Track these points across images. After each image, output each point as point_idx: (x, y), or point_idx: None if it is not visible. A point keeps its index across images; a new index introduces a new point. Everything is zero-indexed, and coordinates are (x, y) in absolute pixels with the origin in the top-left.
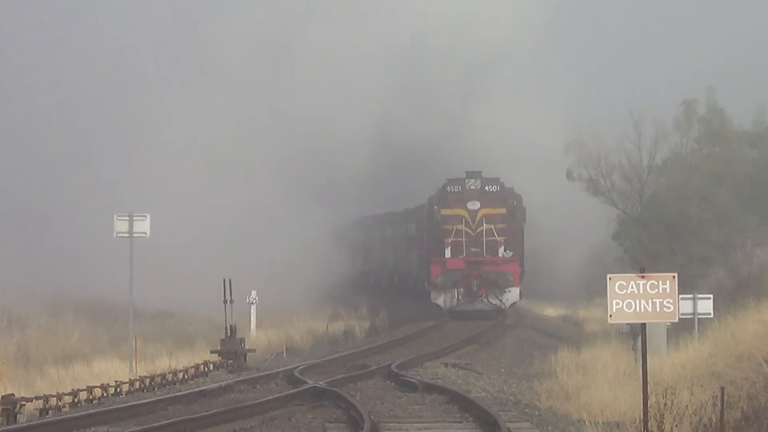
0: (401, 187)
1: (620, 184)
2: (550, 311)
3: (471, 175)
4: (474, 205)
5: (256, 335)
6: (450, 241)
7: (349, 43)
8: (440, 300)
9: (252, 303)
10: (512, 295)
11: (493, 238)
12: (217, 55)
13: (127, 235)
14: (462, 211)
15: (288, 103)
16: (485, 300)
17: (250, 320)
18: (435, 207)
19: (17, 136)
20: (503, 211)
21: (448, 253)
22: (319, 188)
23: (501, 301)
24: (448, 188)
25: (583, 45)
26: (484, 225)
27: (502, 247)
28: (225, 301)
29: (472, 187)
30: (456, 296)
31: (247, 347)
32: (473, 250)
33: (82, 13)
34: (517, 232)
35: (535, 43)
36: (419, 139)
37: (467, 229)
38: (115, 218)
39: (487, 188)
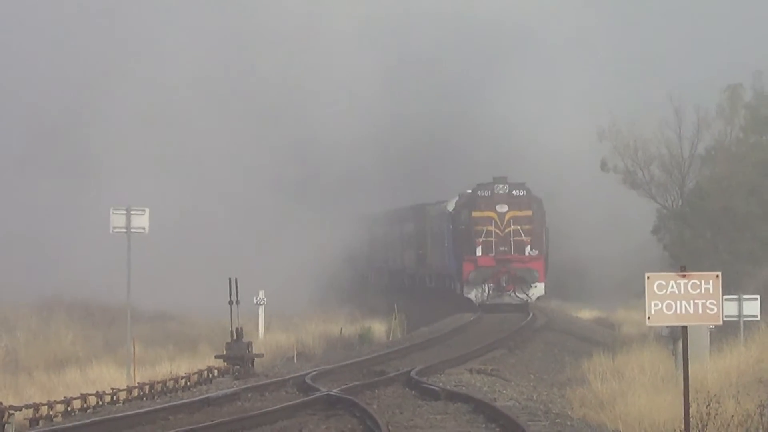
0: (410, 183)
1: (659, 176)
2: (585, 313)
3: (498, 180)
4: (502, 207)
5: (264, 339)
6: (481, 240)
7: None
8: (472, 294)
9: (260, 304)
10: (538, 290)
11: (520, 238)
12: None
13: (124, 230)
14: (492, 214)
15: (285, 93)
16: (513, 294)
17: (257, 323)
18: (465, 209)
19: (8, 131)
20: (529, 213)
21: (479, 252)
22: (322, 184)
23: (528, 295)
24: (479, 192)
25: (618, 25)
26: (512, 226)
27: (529, 246)
28: (231, 302)
29: (501, 192)
30: (486, 291)
31: (254, 352)
32: (502, 249)
33: (76, 11)
34: (541, 233)
35: (563, 21)
36: (425, 131)
37: (496, 230)
38: (111, 212)
39: (514, 192)
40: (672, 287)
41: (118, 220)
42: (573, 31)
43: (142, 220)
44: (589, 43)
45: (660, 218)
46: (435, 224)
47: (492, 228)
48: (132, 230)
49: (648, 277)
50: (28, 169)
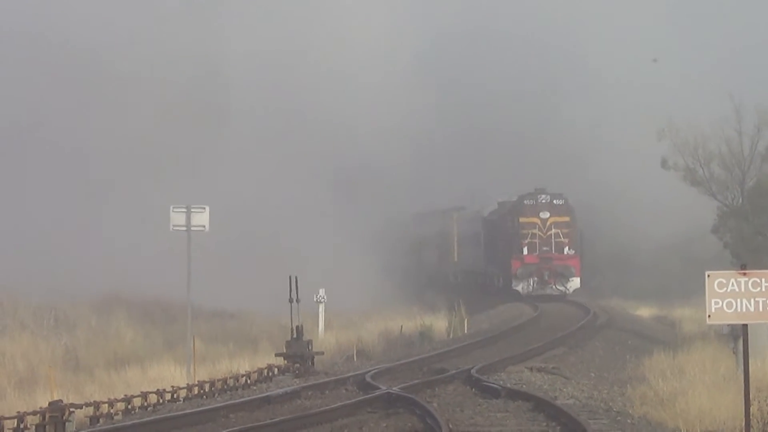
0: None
1: (719, 174)
2: (644, 311)
3: (540, 191)
4: (545, 214)
5: (324, 337)
6: (526, 242)
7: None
8: (519, 287)
9: (320, 302)
10: (574, 283)
11: (560, 239)
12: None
13: (184, 228)
14: (536, 219)
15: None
16: (554, 287)
17: (317, 321)
18: (511, 215)
19: (68, 128)
20: (567, 219)
21: (525, 251)
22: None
23: (566, 287)
24: (525, 201)
25: (677, 22)
26: (553, 230)
27: (567, 247)
28: (291, 300)
29: (543, 201)
30: (531, 284)
31: (314, 350)
32: (544, 248)
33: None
34: (576, 235)
35: (618, 20)
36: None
37: (540, 233)
38: (171, 210)
39: (554, 201)
40: (732, 285)
41: (178, 218)
42: (629, 29)
43: (202, 218)
44: (648, 41)
45: (720, 216)
46: (466, 227)
47: (536, 231)
48: (192, 228)
49: (708, 275)
50: (85, 167)
